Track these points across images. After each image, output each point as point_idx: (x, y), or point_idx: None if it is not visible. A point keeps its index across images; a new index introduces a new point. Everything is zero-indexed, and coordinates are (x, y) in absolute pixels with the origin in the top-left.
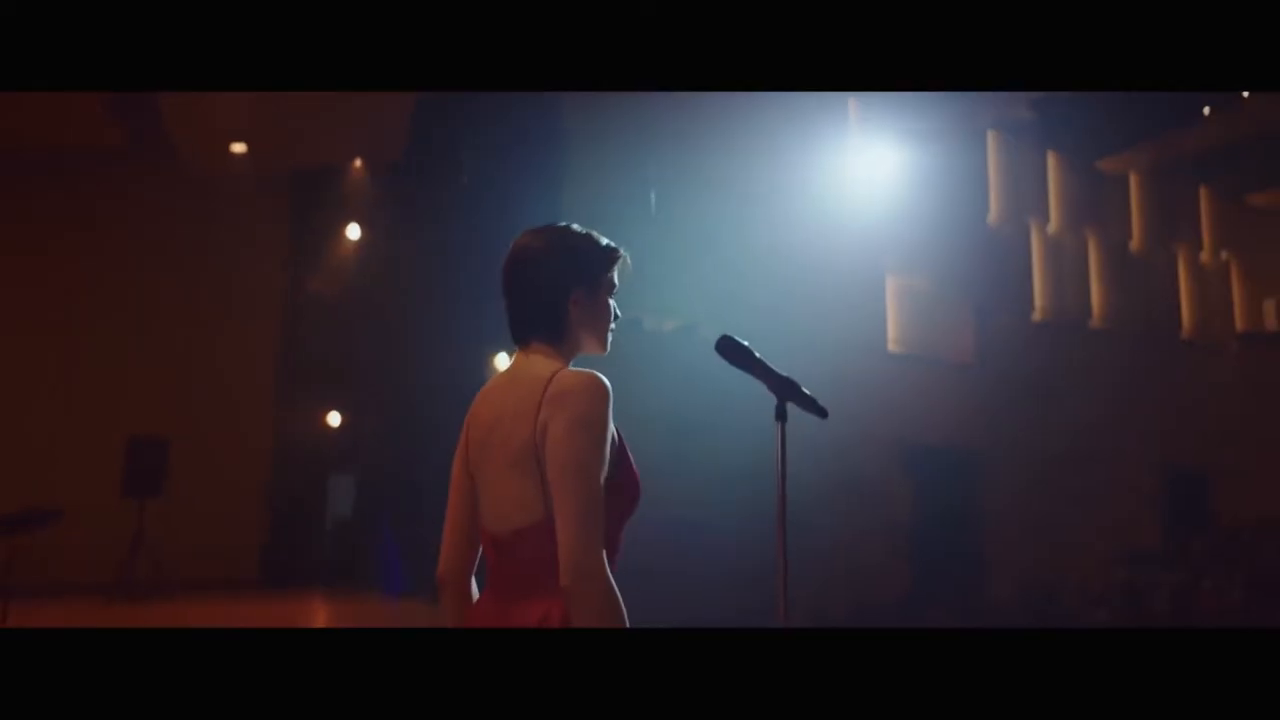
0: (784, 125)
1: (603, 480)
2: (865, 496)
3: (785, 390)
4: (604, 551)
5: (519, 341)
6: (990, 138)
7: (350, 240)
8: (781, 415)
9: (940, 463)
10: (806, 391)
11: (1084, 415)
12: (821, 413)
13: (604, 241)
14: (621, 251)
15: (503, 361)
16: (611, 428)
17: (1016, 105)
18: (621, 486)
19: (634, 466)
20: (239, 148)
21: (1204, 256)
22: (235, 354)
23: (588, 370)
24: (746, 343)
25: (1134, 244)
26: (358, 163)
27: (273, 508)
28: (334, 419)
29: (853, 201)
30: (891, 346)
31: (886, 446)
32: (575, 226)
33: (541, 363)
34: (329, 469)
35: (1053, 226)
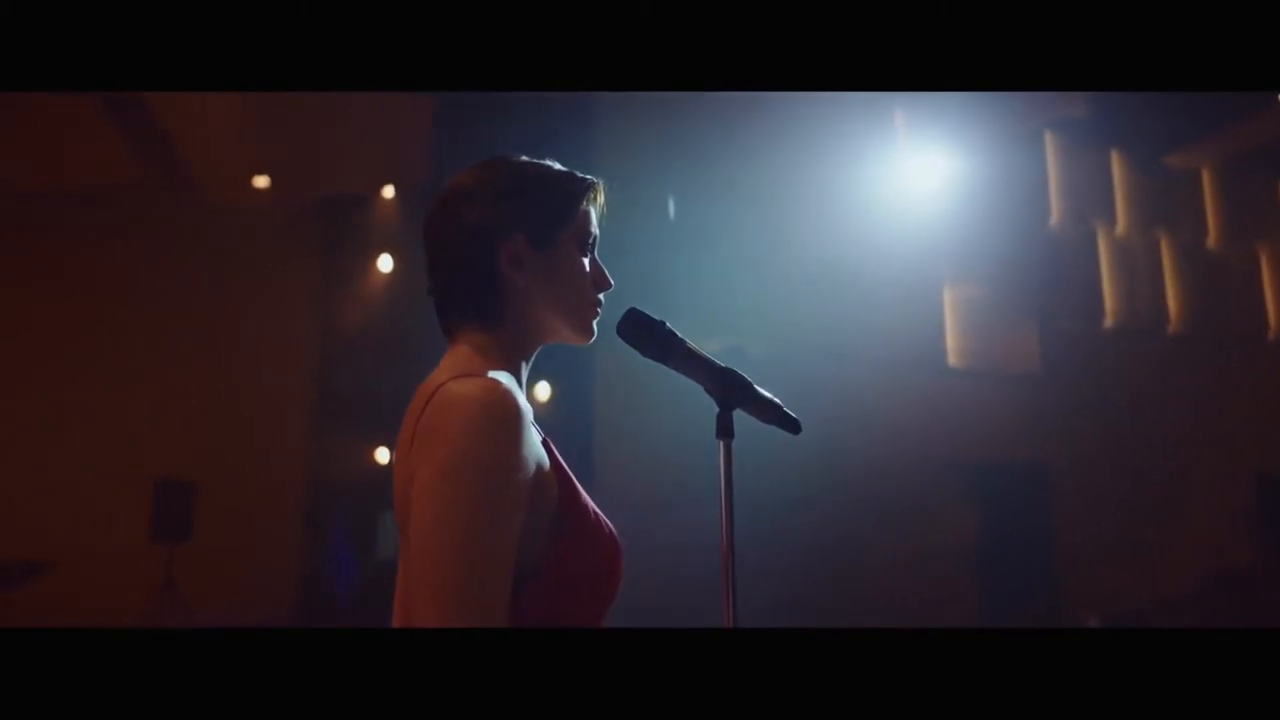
0: (826, 135)
1: (506, 563)
2: (929, 518)
3: (730, 393)
4: None
5: (445, 331)
6: (1048, 138)
7: (381, 270)
8: (725, 431)
9: (1008, 481)
10: (764, 393)
11: (1166, 426)
12: (792, 425)
13: (560, 167)
14: (592, 180)
15: (543, 391)
16: (529, 469)
17: (1074, 103)
18: (572, 569)
19: (601, 527)
20: (262, 181)
21: None
22: (266, 392)
23: (477, 378)
24: (666, 322)
25: (1210, 242)
26: (387, 191)
27: (310, 550)
28: (375, 455)
29: (904, 212)
30: (952, 360)
31: (950, 465)
32: (522, 157)
33: (454, 363)
34: (370, 508)
35: (1120, 228)
